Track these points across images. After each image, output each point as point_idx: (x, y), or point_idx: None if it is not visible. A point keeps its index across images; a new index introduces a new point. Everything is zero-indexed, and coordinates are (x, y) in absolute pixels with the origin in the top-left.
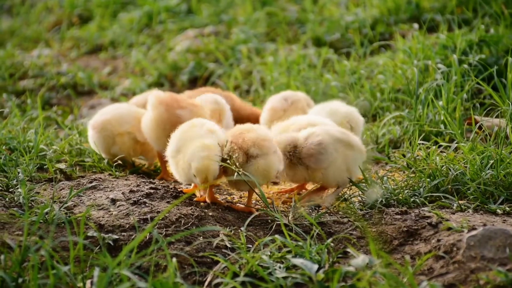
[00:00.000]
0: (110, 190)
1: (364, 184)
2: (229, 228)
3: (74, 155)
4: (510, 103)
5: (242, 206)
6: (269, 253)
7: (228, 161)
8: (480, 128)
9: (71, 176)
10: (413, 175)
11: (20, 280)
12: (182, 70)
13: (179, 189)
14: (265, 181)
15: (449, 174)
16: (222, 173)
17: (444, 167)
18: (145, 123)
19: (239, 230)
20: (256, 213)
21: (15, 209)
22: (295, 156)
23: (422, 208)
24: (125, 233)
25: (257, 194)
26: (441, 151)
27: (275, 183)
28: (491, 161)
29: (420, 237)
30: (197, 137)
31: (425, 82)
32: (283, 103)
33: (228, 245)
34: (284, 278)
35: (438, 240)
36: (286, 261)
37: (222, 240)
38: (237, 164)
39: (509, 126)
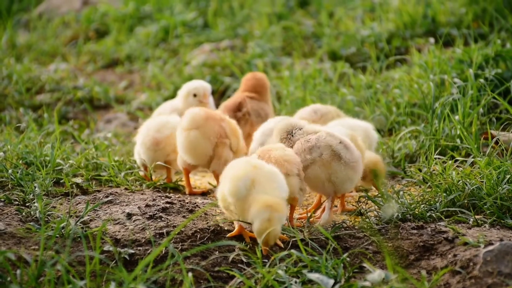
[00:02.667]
0: (126, 205)
1: (380, 199)
2: (245, 242)
3: (90, 169)
4: None
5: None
6: (285, 268)
7: None
8: (496, 142)
9: (88, 190)
10: (429, 189)
11: None
12: None
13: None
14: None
15: (465, 188)
16: None
17: (461, 181)
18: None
19: (255, 245)
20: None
21: (31, 223)
22: (288, 141)
23: (439, 223)
24: (141, 248)
25: None
26: (457, 166)
27: None
28: (508, 176)
29: (437, 252)
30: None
31: (441, 97)
32: (312, 114)
33: (244, 260)
34: None
35: (455, 255)
36: (302, 276)
37: (238, 255)
38: None
39: None
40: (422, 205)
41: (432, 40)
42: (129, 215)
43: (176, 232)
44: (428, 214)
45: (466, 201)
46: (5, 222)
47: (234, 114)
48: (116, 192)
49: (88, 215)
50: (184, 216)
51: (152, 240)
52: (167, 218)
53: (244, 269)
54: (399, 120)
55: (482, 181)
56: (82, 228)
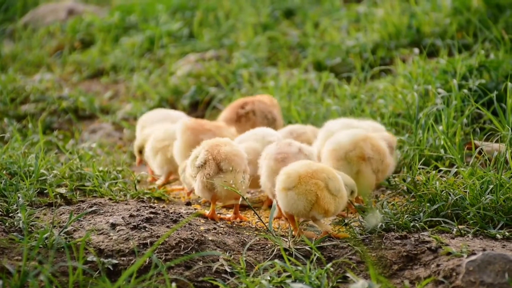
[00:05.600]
0: (110, 215)
1: (364, 209)
2: (228, 252)
3: (74, 180)
4: (510, 128)
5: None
6: (269, 278)
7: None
8: (480, 153)
9: (71, 200)
10: (413, 199)
11: None
12: (183, 94)
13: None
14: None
15: (449, 198)
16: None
17: (444, 191)
18: (176, 148)
19: (239, 255)
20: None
21: (14, 234)
22: None
23: (422, 233)
24: (124, 258)
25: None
26: (441, 176)
27: None
28: (491, 186)
29: (420, 262)
30: None
31: (425, 107)
32: (288, 136)
33: (228, 270)
34: None
35: (438, 265)
36: (285, 286)
37: (222, 265)
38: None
39: (508, 151)
40: (406, 215)
41: (416, 50)
42: (113, 225)
43: (160, 242)
44: (411, 224)
45: (449, 211)
46: None
47: (236, 111)
48: (100, 202)
49: (72, 226)
50: (168, 226)
51: (136, 251)
52: (151, 228)
53: (228, 279)
54: None
55: (466, 191)
56: (66, 238)
